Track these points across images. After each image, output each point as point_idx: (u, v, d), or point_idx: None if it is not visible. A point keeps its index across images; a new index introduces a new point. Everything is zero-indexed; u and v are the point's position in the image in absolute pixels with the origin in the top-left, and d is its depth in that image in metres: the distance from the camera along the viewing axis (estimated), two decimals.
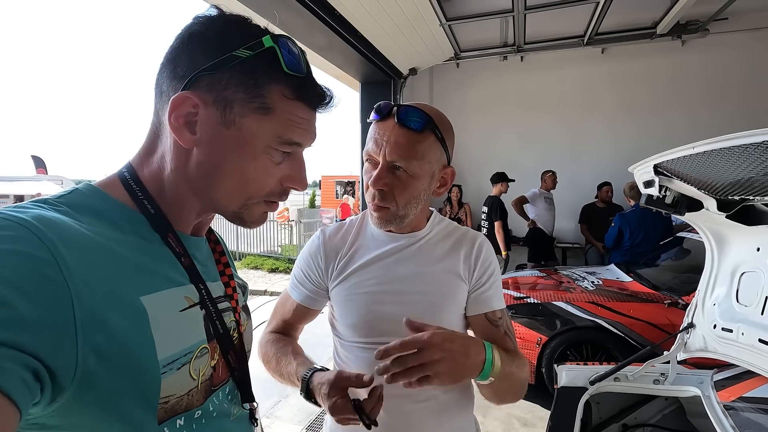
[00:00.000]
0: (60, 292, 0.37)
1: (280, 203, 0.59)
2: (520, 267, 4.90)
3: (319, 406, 0.74)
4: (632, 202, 4.10)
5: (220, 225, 10.26)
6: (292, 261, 9.01)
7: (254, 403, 0.61)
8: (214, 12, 0.50)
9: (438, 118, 0.82)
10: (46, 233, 0.38)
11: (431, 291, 0.88)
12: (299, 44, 0.52)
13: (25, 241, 0.36)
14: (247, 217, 0.55)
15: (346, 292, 0.90)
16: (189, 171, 0.51)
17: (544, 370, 2.94)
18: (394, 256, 0.90)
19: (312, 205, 18.16)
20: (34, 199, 0.45)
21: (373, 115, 0.83)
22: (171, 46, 0.50)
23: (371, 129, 0.84)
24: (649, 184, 1.20)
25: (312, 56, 4.19)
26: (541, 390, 2.96)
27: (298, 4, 3.03)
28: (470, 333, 0.91)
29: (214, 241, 0.65)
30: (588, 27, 4.45)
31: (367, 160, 0.84)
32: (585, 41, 4.74)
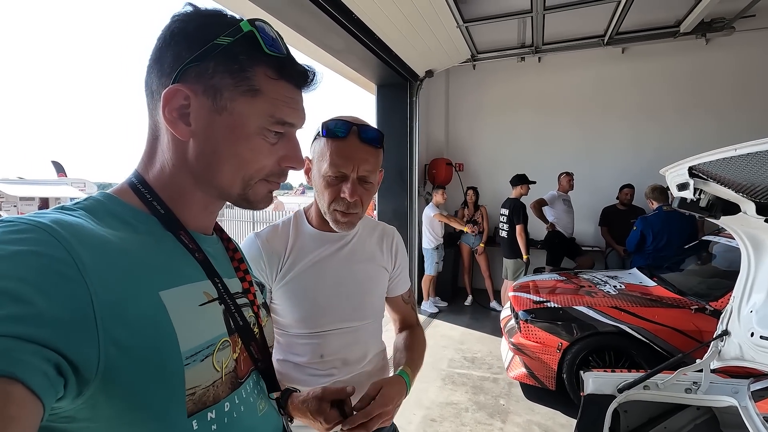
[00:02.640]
0: (77, 288, 0.38)
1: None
2: (538, 270, 4.83)
3: (292, 422, 0.79)
4: (655, 205, 4.00)
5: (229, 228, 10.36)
6: None
7: (279, 393, 0.64)
8: (189, 9, 0.52)
9: (382, 133, 0.95)
10: (62, 234, 0.40)
11: (364, 282, 1.05)
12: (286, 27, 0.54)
13: (43, 243, 0.38)
14: (252, 197, 0.56)
15: (291, 291, 0.99)
16: (190, 163, 0.53)
17: (565, 375, 2.88)
18: (333, 256, 1.03)
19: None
20: (56, 206, 0.47)
21: (326, 132, 0.92)
22: (154, 47, 0.52)
23: (331, 145, 0.91)
24: (682, 186, 1.16)
25: (329, 59, 4.20)
26: (562, 396, 2.90)
27: (315, 7, 3.04)
28: (387, 309, 1.16)
29: (227, 239, 0.67)
30: (608, 26, 4.36)
31: (332, 174, 0.92)
32: (605, 41, 4.64)
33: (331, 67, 4.68)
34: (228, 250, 0.66)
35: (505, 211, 4.61)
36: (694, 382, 1.45)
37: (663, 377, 1.45)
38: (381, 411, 0.80)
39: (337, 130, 0.90)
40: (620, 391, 1.46)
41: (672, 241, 3.79)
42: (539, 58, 5.37)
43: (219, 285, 0.55)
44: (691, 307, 2.68)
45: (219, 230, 0.66)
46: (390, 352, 1.13)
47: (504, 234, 4.64)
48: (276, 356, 1.05)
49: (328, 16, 3.19)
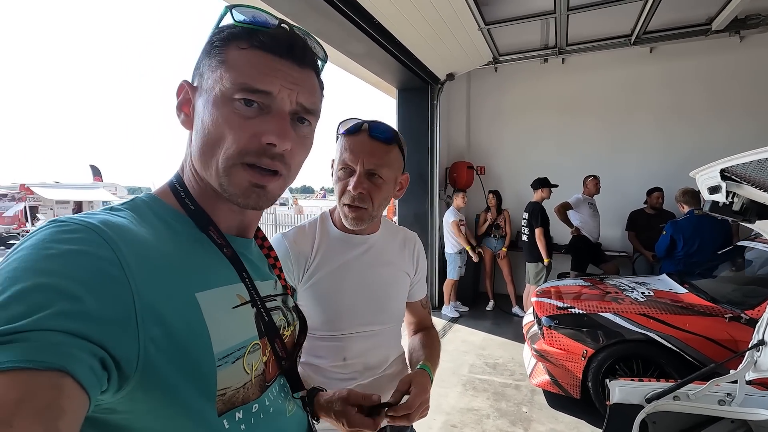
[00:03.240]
0: (122, 288, 0.40)
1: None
2: (562, 276, 4.72)
3: (318, 422, 0.79)
4: (686, 209, 3.85)
5: None
6: None
7: (305, 392, 0.64)
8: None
9: (398, 133, 0.96)
10: (110, 235, 0.42)
11: (387, 286, 1.07)
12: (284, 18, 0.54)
13: (92, 243, 0.40)
14: (231, 187, 0.51)
15: (316, 292, 1.00)
16: (194, 157, 0.54)
17: (590, 384, 2.80)
18: (358, 260, 1.04)
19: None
20: (104, 207, 0.50)
21: (342, 130, 0.96)
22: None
23: (343, 142, 0.95)
24: (714, 190, 1.12)
25: (350, 64, 4.25)
26: (586, 405, 2.82)
27: (336, 13, 3.08)
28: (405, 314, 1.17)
29: (262, 238, 0.68)
30: (636, 26, 4.25)
31: (341, 168, 0.95)
32: (632, 41, 4.53)
33: (352, 72, 4.73)
34: (263, 248, 0.67)
35: (526, 215, 4.55)
36: (728, 394, 1.39)
37: (694, 388, 1.39)
38: (422, 399, 0.82)
39: (350, 128, 0.94)
40: (648, 401, 1.41)
41: (704, 246, 3.65)
42: (563, 59, 5.28)
43: (251, 287, 0.56)
44: (725, 316, 2.57)
45: (261, 236, 0.68)
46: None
47: (525, 238, 4.57)
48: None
49: (350, 22, 3.23)
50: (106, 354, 0.37)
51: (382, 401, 0.79)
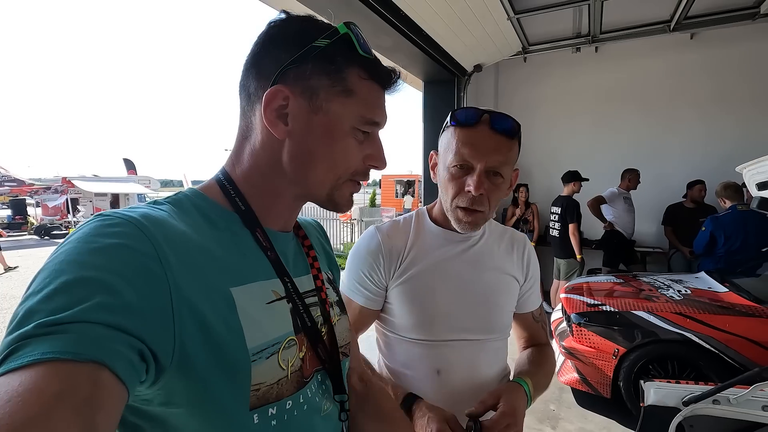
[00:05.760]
0: (160, 282, 0.41)
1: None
2: (593, 272, 4.59)
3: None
4: (727, 204, 3.65)
5: None
6: None
7: (345, 396, 0.63)
8: (283, 15, 0.55)
9: (519, 124, 0.85)
10: (150, 230, 0.43)
11: (492, 293, 0.94)
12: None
13: (132, 237, 0.41)
14: (338, 198, 0.58)
15: (408, 291, 0.92)
16: (283, 162, 0.54)
17: (621, 383, 2.73)
18: (457, 258, 0.94)
19: (372, 204, 18.47)
20: (149, 201, 0.52)
21: (455, 120, 0.85)
22: (251, 51, 0.55)
23: (458, 134, 0.85)
24: (763, 186, 1.06)
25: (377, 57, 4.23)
26: (617, 405, 2.75)
27: (363, 6, 3.06)
28: (513, 326, 1.04)
29: (303, 236, 0.68)
30: (675, 11, 4.04)
31: (457, 165, 0.84)
32: (671, 27, 4.31)
33: None
34: (303, 246, 0.67)
35: (557, 209, 4.42)
36: None
37: (736, 392, 1.33)
38: (509, 422, 0.73)
39: (467, 118, 0.84)
40: (686, 403, 1.36)
41: (747, 243, 3.46)
42: (596, 47, 5.07)
43: (288, 284, 0.56)
44: None
45: (296, 227, 0.68)
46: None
47: (555, 233, 4.45)
48: (385, 361, 1.00)
49: (377, 15, 3.21)
50: (144, 346, 0.38)
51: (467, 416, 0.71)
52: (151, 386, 0.41)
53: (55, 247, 0.41)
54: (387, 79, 0.57)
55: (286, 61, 0.51)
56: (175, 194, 0.54)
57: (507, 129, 0.83)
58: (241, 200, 0.55)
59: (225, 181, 0.56)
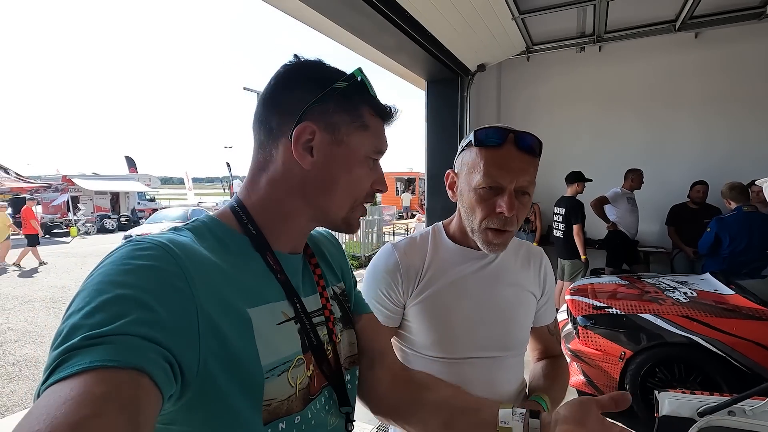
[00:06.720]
0: (187, 300, 0.44)
1: None
2: (596, 272, 4.59)
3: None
4: (733, 205, 3.65)
5: None
6: (355, 257, 9.16)
7: (350, 408, 0.66)
8: (294, 59, 0.61)
9: (541, 141, 0.86)
10: (176, 252, 0.47)
11: (510, 309, 0.94)
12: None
13: (162, 259, 0.45)
14: (352, 220, 0.65)
15: (427, 309, 0.92)
16: (306, 189, 0.60)
17: (628, 386, 2.73)
18: (475, 275, 0.94)
19: (373, 202, 18.52)
20: (171, 227, 0.55)
21: (478, 140, 0.85)
22: (269, 89, 0.60)
23: (484, 155, 0.84)
24: None
25: (379, 56, 4.20)
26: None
27: (368, 7, 3.03)
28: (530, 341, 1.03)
29: (311, 254, 0.71)
30: (681, 10, 4.02)
31: (486, 187, 0.84)
32: (677, 26, 4.28)
33: (382, 65, 4.67)
34: (310, 264, 0.70)
35: (561, 210, 4.41)
36: None
37: (752, 403, 1.33)
38: None
39: (492, 138, 0.84)
40: (701, 414, 1.35)
41: (752, 245, 3.46)
42: (600, 47, 5.05)
43: (297, 304, 0.60)
44: None
45: (304, 246, 0.71)
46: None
47: (559, 234, 4.44)
48: None
49: (381, 15, 3.18)
50: (174, 359, 0.41)
51: None
52: (176, 402, 0.43)
53: (92, 269, 0.45)
54: (389, 116, 0.65)
55: (310, 100, 0.57)
56: (193, 221, 0.58)
57: (532, 147, 0.84)
58: (252, 225, 0.59)
59: (238, 208, 0.60)
